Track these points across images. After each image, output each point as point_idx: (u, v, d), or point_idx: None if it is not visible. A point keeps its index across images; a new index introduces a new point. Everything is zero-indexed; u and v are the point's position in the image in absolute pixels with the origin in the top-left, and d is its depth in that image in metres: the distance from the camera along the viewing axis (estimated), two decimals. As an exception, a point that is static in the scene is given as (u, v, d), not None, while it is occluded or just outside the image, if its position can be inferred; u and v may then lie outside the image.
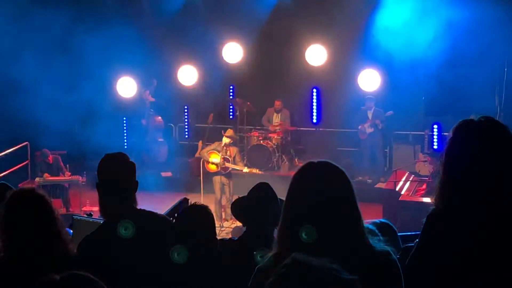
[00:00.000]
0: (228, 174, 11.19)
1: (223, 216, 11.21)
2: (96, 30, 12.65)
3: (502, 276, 2.40)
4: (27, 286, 1.94)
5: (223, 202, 11.08)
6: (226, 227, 11.01)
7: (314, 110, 13.78)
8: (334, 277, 1.68)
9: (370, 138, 13.31)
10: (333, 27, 12.85)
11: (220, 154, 11.09)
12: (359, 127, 13.30)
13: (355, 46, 12.97)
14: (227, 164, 11.10)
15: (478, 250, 2.40)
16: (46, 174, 11.91)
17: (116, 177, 3.31)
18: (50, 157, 12.17)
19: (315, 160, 2.40)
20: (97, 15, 12.85)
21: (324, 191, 2.31)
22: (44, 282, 1.83)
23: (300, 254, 1.75)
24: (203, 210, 3.17)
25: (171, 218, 3.69)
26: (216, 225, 11.88)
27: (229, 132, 11.38)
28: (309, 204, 2.30)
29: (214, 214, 9.09)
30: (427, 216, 2.57)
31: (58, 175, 12.10)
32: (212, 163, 11.19)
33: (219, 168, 11.07)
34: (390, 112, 13.17)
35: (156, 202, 10.02)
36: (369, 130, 13.24)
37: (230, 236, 9.50)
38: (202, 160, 11.44)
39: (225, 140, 11.19)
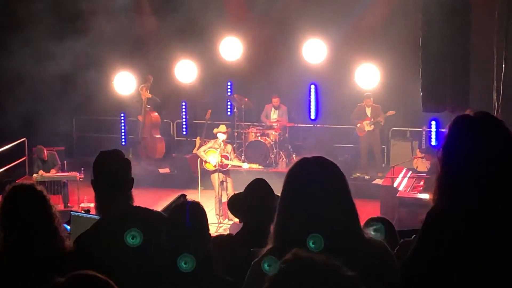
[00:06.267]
0: (226, 171, 11.16)
1: (221, 213, 11.17)
2: (93, 26, 12.65)
3: (502, 276, 2.40)
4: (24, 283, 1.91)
5: (224, 199, 11.05)
6: (224, 223, 11.00)
7: (312, 107, 13.76)
8: (335, 274, 1.68)
9: (368, 134, 13.30)
10: (332, 22, 12.81)
11: (218, 152, 11.06)
12: (358, 124, 13.26)
13: (353, 41, 12.94)
14: (226, 162, 11.07)
15: (478, 249, 2.40)
16: (41, 171, 11.86)
17: (111, 175, 3.31)
18: (45, 153, 12.11)
19: (309, 156, 2.42)
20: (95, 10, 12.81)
21: (319, 187, 2.33)
22: (49, 286, 1.80)
23: (300, 250, 1.75)
24: (195, 206, 3.17)
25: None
26: (215, 221, 11.72)
27: (223, 127, 11.34)
28: (305, 200, 2.32)
29: (214, 211, 8.90)
30: (426, 215, 2.56)
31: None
32: (210, 163, 11.17)
33: (217, 166, 11.05)
34: (391, 112, 13.09)
35: (154, 199, 10.05)
36: (369, 128, 13.19)
37: (228, 232, 9.49)
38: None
39: (221, 136, 11.15)
